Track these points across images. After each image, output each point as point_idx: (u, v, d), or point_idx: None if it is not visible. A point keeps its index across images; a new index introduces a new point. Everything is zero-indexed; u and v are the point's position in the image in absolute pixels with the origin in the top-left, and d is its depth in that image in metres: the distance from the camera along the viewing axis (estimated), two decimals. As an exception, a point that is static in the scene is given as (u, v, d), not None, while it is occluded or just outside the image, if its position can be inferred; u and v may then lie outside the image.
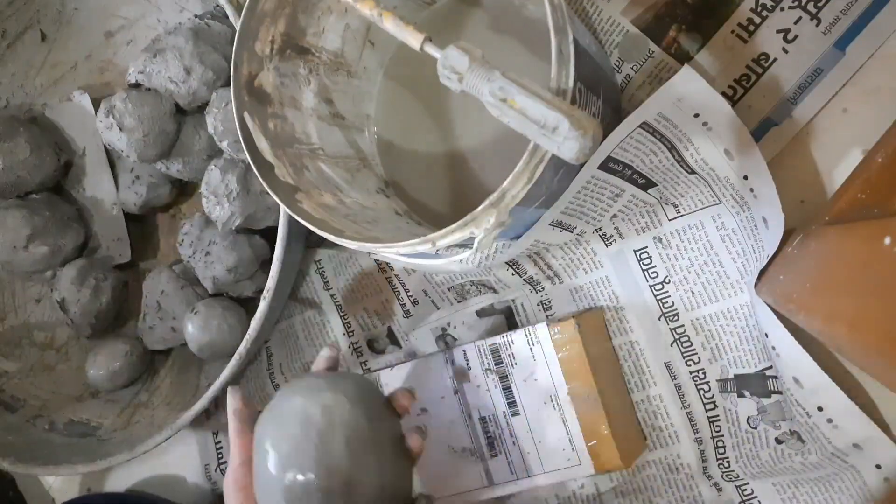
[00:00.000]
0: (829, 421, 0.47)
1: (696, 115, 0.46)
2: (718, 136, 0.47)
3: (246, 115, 0.45)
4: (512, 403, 0.54)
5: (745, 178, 0.48)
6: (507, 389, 0.54)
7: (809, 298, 0.41)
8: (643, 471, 0.56)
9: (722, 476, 0.54)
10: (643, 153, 0.47)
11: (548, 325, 0.52)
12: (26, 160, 0.67)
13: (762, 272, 0.47)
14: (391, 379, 0.57)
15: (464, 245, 0.45)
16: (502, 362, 0.54)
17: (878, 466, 0.47)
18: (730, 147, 0.47)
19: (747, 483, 0.53)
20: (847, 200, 0.42)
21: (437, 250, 0.43)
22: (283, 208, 0.43)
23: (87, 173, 0.71)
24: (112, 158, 0.70)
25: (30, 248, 0.67)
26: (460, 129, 0.55)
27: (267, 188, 0.43)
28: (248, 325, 0.58)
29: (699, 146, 0.47)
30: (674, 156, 0.48)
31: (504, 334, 0.54)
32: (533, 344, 0.53)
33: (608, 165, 0.47)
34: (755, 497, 0.53)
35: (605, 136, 0.42)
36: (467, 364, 0.55)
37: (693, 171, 0.49)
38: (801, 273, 0.43)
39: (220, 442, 0.71)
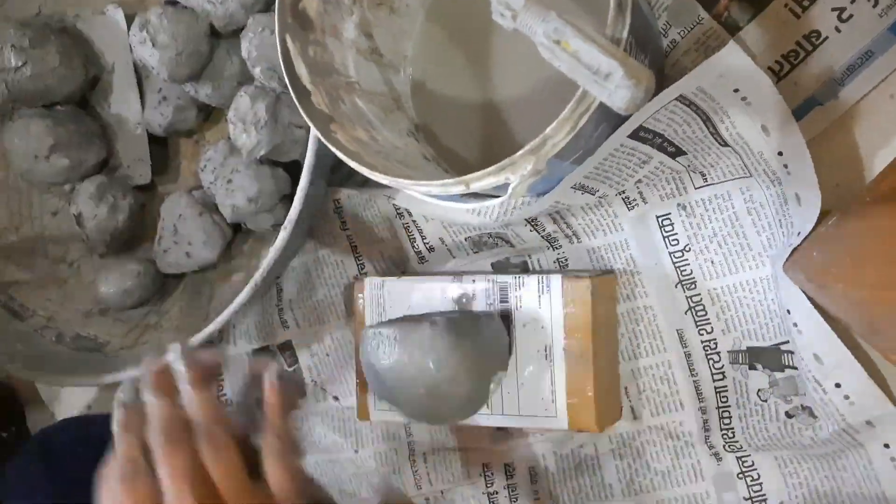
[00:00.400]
0: (846, 397, 0.47)
1: (736, 91, 0.45)
2: (757, 112, 0.46)
3: (288, 37, 0.44)
4: None
5: (780, 154, 0.47)
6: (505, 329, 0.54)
7: (851, 271, 0.41)
8: (643, 435, 0.56)
9: (724, 446, 0.54)
10: (676, 123, 0.46)
11: (562, 278, 0.52)
12: (55, 69, 0.65)
13: (792, 251, 0.47)
14: (393, 288, 0.58)
15: (492, 195, 0.45)
16: (507, 301, 0.54)
17: (887, 445, 0.47)
18: (767, 123, 0.46)
19: (749, 455, 0.53)
20: (890, 183, 0.41)
21: (469, 194, 0.42)
22: (315, 136, 0.43)
23: (113, 90, 0.70)
24: (140, 77, 0.69)
25: (51, 158, 0.67)
26: (497, 78, 0.54)
27: (303, 114, 0.42)
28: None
29: (735, 120, 0.47)
30: (708, 128, 0.48)
31: (517, 276, 0.54)
32: (542, 293, 0.53)
33: (639, 134, 0.46)
34: (755, 469, 0.54)
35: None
36: (473, 294, 0.55)
37: (726, 144, 0.49)
38: (840, 249, 0.42)
39: (220, 376, 0.71)
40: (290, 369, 0.68)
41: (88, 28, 0.69)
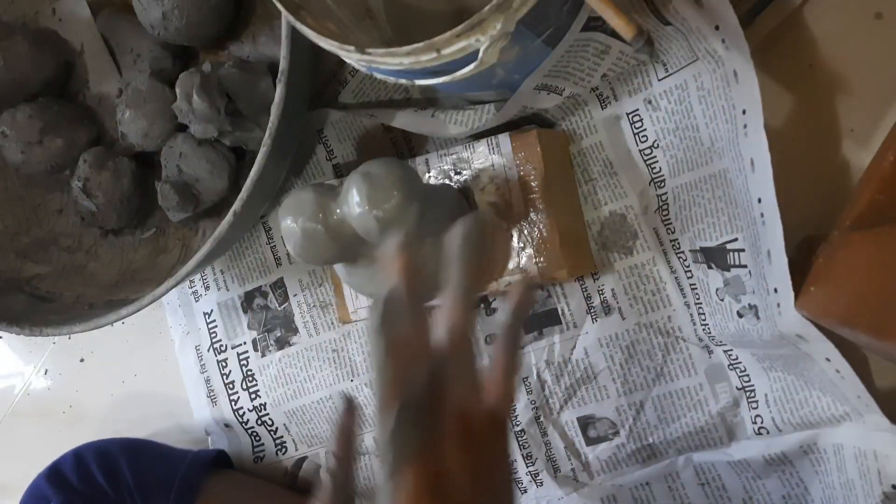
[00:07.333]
0: (778, 305, 0.46)
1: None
2: None
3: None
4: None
5: (717, 28, 0.48)
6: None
7: (852, 312, 0.41)
8: (633, 334, 0.57)
9: (710, 340, 0.54)
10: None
11: (510, 134, 0.54)
12: (26, 56, 0.68)
13: (798, 286, 0.46)
14: None
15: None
16: (460, 172, 0.55)
17: (828, 359, 0.46)
18: None
19: (731, 349, 0.54)
20: (865, 203, 0.43)
21: (440, 71, 0.43)
22: (287, 19, 0.43)
23: (88, 69, 0.72)
24: (110, 46, 0.70)
25: (44, 142, 0.68)
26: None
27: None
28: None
29: None
30: (649, 6, 0.50)
31: (467, 143, 0.55)
32: (493, 153, 0.54)
33: (589, 24, 0.49)
34: (740, 362, 0.54)
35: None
36: (428, 169, 0.56)
37: (668, 23, 0.50)
38: (836, 286, 0.43)
39: (213, 321, 0.71)
40: (280, 308, 0.68)
41: (50, 21, 0.71)
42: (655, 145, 0.54)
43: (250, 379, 0.70)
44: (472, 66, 0.42)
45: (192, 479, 0.63)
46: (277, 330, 0.68)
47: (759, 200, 0.49)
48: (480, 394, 0.35)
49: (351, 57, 0.43)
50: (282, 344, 0.68)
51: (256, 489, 0.68)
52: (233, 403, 0.71)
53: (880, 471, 0.47)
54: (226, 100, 0.60)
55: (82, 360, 0.80)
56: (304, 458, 0.69)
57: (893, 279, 0.39)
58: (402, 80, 0.46)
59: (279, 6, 0.43)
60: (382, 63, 0.43)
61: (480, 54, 0.41)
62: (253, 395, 0.69)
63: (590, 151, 0.57)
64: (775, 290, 0.47)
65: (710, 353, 0.55)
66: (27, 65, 0.68)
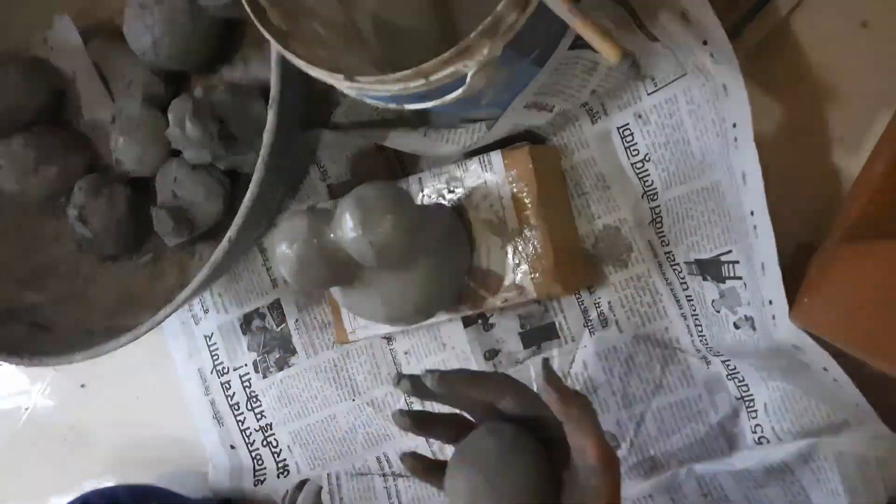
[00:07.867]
0: (773, 317, 0.47)
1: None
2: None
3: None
4: None
5: (705, 43, 0.48)
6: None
7: (844, 329, 0.41)
8: (630, 347, 0.57)
9: (707, 351, 0.54)
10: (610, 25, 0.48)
11: (502, 151, 0.54)
12: (18, 85, 0.68)
13: (792, 298, 0.47)
14: None
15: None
16: (454, 191, 0.56)
17: (825, 369, 0.47)
18: (686, 9, 0.48)
19: (729, 359, 0.54)
20: (856, 213, 0.43)
21: (429, 95, 0.43)
22: (276, 48, 0.43)
23: (81, 96, 0.71)
24: (102, 73, 0.70)
25: (39, 170, 0.68)
26: (458, 8, 0.55)
27: (259, 27, 0.43)
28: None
29: (657, 11, 0.49)
30: (635, 20, 0.50)
31: (459, 162, 0.55)
32: (486, 170, 0.54)
33: (577, 42, 0.49)
34: (738, 372, 0.54)
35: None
36: (421, 188, 0.57)
37: (656, 39, 0.50)
38: (829, 298, 0.43)
39: (214, 344, 0.72)
40: (278, 329, 0.68)
41: (41, 50, 0.71)
42: (647, 159, 0.55)
43: (254, 400, 0.70)
44: (460, 91, 0.42)
45: None
46: (276, 351, 0.68)
47: (752, 213, 0.49)
48: None
49: (341, 85, 0.43)
50: (281, 365, 0.68)
51: None
52: (239, 424, 0.71)
53: (884, 478, 0.47)
54: (218, 125, 0.60)
55: (83, 386, 0.80)
56: (305, 481, 0.69)
57: (883, 297, 0.39)
58: (392, 105, 0.46)
59: (267, 35, 0.43)
60: (372, 90, 0.43)
61: (468, 79, 0.41)
62: (259, 416, 0.70)
63: (582, 166, 0.57)
64: (770, 302, 0.47)
65: (708, 363, 0.55)
66: (20, 94, 0.68)
